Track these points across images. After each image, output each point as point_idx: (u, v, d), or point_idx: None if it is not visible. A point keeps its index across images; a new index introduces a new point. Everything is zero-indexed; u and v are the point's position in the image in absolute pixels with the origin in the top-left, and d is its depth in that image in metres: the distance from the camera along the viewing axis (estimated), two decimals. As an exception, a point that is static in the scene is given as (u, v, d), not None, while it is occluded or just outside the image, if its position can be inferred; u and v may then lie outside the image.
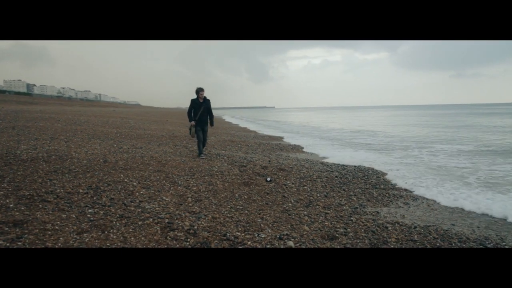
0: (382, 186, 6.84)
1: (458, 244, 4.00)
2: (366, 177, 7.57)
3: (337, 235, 4.13)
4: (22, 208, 4.02)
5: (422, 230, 4.41)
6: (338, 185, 6.71)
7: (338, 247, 3.76)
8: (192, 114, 8.72)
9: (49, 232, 3.48)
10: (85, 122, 16.37)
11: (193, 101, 8.68)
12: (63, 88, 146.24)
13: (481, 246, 3.96)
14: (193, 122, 8.64)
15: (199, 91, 8.65)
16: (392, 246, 3.88)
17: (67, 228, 3.63)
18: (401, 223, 4.67)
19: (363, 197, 6.04)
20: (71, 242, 3.33)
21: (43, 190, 4.69)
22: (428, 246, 3.90)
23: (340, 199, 5.82)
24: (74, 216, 3.98)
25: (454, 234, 4.30)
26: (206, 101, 8.76)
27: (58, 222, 3.75)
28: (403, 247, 3.87)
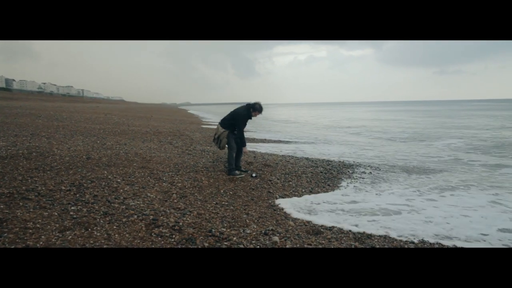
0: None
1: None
2: (351, 172, 7.66)
3: (322, 230, 4.17)
4: (1, 206, 3.92)
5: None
6: (323, 180, 6.77)
7: (327, 247, 3.80)
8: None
9: (30, 231, 3.41)
10: (67, 118, 16.05)
11: (245, 117, 6.67)
12: (44, 83, 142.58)
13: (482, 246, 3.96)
14: (245, 149, 6.86)
15: (260, 110, 6.65)
16: (376, 240, 3.94)
17: (49, 226, 3.56)
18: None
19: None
20: (53, 240, 3.27)
21: (23, 187, 4.58)
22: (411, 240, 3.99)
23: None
24: (56, 213, 3.91)
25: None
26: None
27: (40, 220, 3.68)
28: (387, 240, 3.95)
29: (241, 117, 6.61)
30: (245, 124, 6.74)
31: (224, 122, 6.74)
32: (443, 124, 26.14)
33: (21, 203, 4.07)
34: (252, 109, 6.60)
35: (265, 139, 14.33)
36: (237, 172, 6.68)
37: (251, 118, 6.75)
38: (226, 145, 6.73)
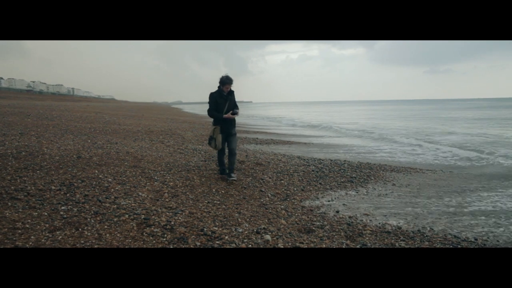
0: (357, 180, 6.99)
1: (429, 234, 4.15)
2: (342, 171, 7.71)
3: (313, 228, 4.19)
4: (-10, 206, 3.88)
5: (397, 222, 4.55)
6: (314, 179, 6.80)
7: (319, 245, 3.82)
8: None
9: (19, 231, 3.37)
10: (57, 117, 15.86)
11: (214, 95, 6.02)
12: (34, 81, 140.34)
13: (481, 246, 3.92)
14: (232, 114, 6.00)
15: (225, 82, 5.94)
16: (368, 238, 3.98)
17: (38, 226, 3.53)
18: (375, 215, 4.80)
19: (339, 190, 6.15)
20: (43, 240, 3.24)
21: (12, 187, 4.52)
22: (401, 238, 4.02)
23: (317, 192, 5.91)
24: (46, 213, 3.87)
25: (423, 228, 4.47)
26: (231, 94, 6.14)
27: (29, 220, 3.64)
28: (378, 238, 3.98)
29: (209, 96, 6.06)
30: (216, 103, 5.98)
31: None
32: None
33: (9, 203, 4.02)
34: (221, 85, 5.99)
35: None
36: (230, 175, 6.14)
37: (222, 96, 6.00)
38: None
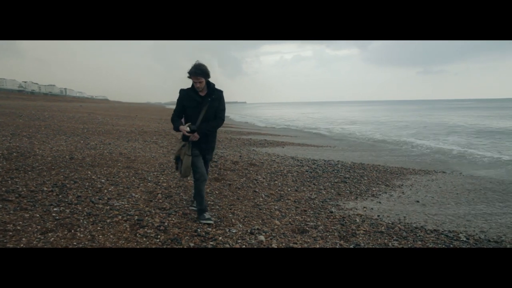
0: (351, 180, 7.02)
1: (421, 235, 4.18)
2: (335, 171, 7.74)
3: (307, 228, 4.20)
4: (-19, 208, 3.83)
5: (390, 222, 4.58)
6: (308, 179, 6.81)
7: (313, 246, 3.83)
8: (183, 120, 4.13)
9: (10, 233, 3.33)
10: (49, 117, 15.73)
11: (183, 93, 4.06)
12: (25, 82, 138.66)
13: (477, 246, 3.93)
14: (193, 133, 3.91)
15: (190, 73, 3.87)
16: (361, 238, 4.00)
17: (30, 228, 3.49)
18: (368, 216, 4.82)
19: (332, 190, 6.17)
20: (34, 242, 3.21)
21: (3, 189, 4.47)
22: (394, 237, 4.05)
23: (311, 193, 5.92)
24: (38, 215, 3.83)
25: (416, 227, 4.50)
26: (214, 95, 4.04)
27: (20, 222, 3.59)
28: (371, 238, 4.00)
29: (177, 99, 4.13)
30: (182, 105, 4.06)
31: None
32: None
33: (0, 205, 3.98)
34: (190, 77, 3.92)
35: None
36: (205, 215, 4.13)
37: (195, 96, 3.97)
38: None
